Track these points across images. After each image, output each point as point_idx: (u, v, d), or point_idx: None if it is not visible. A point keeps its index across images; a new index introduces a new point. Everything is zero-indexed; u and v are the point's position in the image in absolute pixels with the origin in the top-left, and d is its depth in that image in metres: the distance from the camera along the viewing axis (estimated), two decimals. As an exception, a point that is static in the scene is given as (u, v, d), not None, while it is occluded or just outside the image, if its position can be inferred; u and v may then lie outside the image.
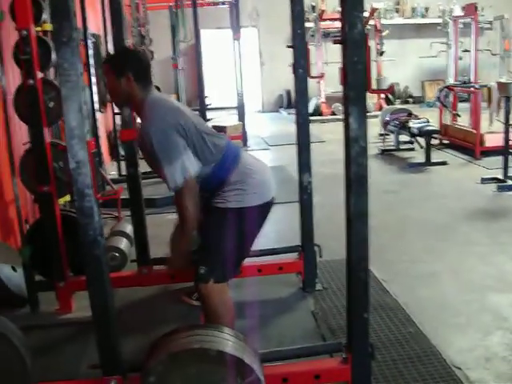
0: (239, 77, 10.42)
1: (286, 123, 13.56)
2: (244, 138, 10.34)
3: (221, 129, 10.54)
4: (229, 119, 11.91)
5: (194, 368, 2.06)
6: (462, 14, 9.80)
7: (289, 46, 3.61)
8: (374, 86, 10.18)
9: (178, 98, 9.26)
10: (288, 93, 16.00)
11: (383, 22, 13.78)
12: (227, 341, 2.15)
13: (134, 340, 3.24)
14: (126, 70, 2.77)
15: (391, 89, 4.32)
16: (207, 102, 9.66)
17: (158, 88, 7.52)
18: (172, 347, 2.11)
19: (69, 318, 3.65)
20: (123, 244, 4.40)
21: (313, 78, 9.99)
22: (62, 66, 2.09)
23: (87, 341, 3.25)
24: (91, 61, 6.48)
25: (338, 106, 13.69)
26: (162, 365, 2.06)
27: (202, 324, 2.57)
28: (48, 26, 4.20)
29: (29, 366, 2.26)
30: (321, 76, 12.24)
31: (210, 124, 9.84)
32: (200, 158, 2.76)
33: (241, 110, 10.60)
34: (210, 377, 2.06)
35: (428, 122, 8.28)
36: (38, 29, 3.91)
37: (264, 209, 2.89)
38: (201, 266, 2.69)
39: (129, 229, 4.62)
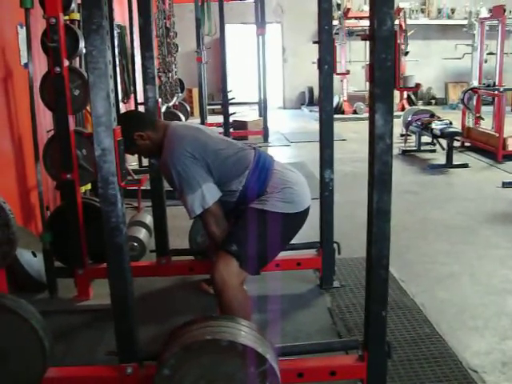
0: (262, 72, 10.42)
1: (308, 120, 13.57)
2: (265, 133, 10.35)
3: (242, 124, 10.58)
4: (250, 114, 11.92)
5: (207, 359, 2.06)
6: (489, 16, 9.72)
7: (315, 42, 3.60)
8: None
9: (201, 92, 9.30)
10: (310, 90, 15.96)
11: (408, 22, 13.68)
12: (239, 331, 2.15)
13: (150, 329, 3.27)
14: (131, 134, 2.81)
15: (418, 87, 4.31)
16: (230, 96, 9.67)
17: (180, 82, 7.60)
18: (184, 339, 2.12)
19: (87, 304, 3.67)
20: (142, 234, 4.43)
21: (338, 74, 9.95)
22: (91, 53, 2.11)
23: (104, 328, 3.28)
24: (116, 51, 6.51)
25: (360, 105, 13.66)
26: (175, 357, 2.07)
27: (215, 315, 2.56)
28: (76, 15, 4.24)
29: (48, 349, 2.28)
30: (346, 73, 12.17)
31: (231, 118, 9.88)
32: (223, 176, 2.83)
33: (263, 105, 10.60)
34: (224, 367, 2.07)
35: (451, 123, 8.22)
36: (66, 17, 3.94)
37: (298, 217, 2.91)
38: (233, 243, 2.70)
39: (148, 219, 4.64)
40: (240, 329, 2.16)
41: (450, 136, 7.81)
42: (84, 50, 3.90)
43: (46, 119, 4.48)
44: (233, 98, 10.20)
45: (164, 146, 2.83)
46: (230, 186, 2.86)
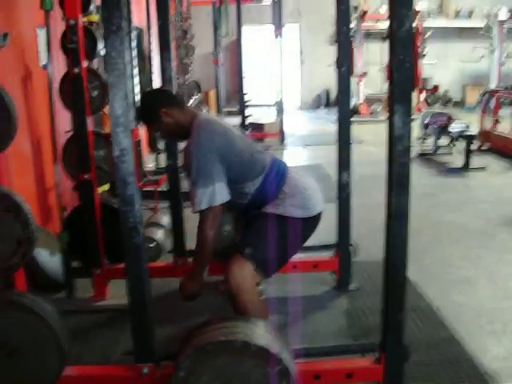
0: (279, 74, 10.42)
1: (324, 123, 13.54)
2: (281, 135, 10.34)
3: (258, 126, 10.58)
4: (267, 117, 11.92)
5: (221, 360, 2.06)
6: (508, 17, 9.65)
7: (332, 43, 3.59)
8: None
9: (218, 94, 9.31)
10: (327, 92, 15.97)
11: (425, 24, 13.61)
12: (253, 332, 2.15)
13: (167, 329, 3.29)
14: (158, 109, 2.84)
15: (436, 89, 4.28)
16: (246, 98, 9.67)
17: (197, 84, 7.62)
18: (198, 341, 2.12)
19: (103, 304, 3.70)
20: (159, 235, 4.44)
21: (356, 76, 9.98)
22: (110, 54, 2.12)
23: (121, 328, 3.31)
24: (133, 53, 6.54)
25: (377, 108, 13.62)
26: (189, 359, 2.07)
27: (229, 316, 2.56)
28: (94, 17, 4.28)
29: (65, 348, 2.29)
30: (363, 74, 12.11)
31: (248, 121, 9.88)
32: (239, 177, 2.84)
33: (279, 107, 10.59)
34: (239, 368, 2.06)
35: (468, 126, 8.17)
36: (85, 19, 3.98)
37: (310, 223, 2.90)
38: (246, 247, 2.70)
39: (165, 220, 4.66)
40: (254, 329, 2.16)
41: (467, 139, 7.76)
42: (102, 52, 3.94)
43: (64, 120, 4.50)
44: (249, 101, 10.20)
45: (192, 134, 2.80)
46: (243, 188, 2.87)
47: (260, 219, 2.83)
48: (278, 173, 2.90)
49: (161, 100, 2.90)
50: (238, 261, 2.70)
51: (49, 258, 3.93)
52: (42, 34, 4.40)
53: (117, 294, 3.71)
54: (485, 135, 8.99)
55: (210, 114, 3.19)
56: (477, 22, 14.51)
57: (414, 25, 12.58)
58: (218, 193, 2.72)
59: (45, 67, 4.09)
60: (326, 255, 3.89)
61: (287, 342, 2.26)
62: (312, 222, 2.91)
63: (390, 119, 2.18)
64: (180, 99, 3.14)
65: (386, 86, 2.28)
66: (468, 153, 7.71)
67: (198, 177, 2.72)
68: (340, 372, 2.54)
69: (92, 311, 3.65)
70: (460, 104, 15.69)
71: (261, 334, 2.15)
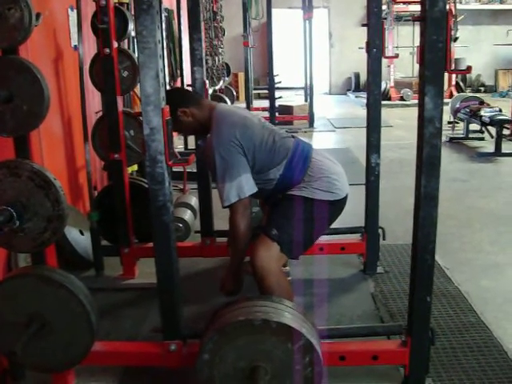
0: (308, 57, 10.36)
1: (353, 106, 13.46)
2: (311, 118, 10.29)
3: (287, 108, 10.55)
4: (296, 99, 11.87)
5: (243, 340, 2.07)
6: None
7: (364, 25, 3.56)
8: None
9: (247, 76, 9.29)
10: (356, 76, 15.82)
11: (458, 6, 13.35)
12: (273, 309, 2.15)
13: (194, 308, 3.31)
14: (174, 111, 2.76)
15: (469, 70, 4.21)
16: (276, 80, 9.64)
17: (227, 66, 7.59)
18: (219, 323, 2.14)
19: (132, 283, 3.74)
20: (187, 215, 4.47)
21: (387, 57, 9.76)
22: (141, 33, 2.12)
23: (149, 306, 3.35)
24: (163, 34, 6.55)
25: (407, 92, 13.47)
26: (211, 342, 2.08)
27: (253, 296, 2.56)
28: (125, -2, 4.31)
29: (94, 323, 2.33)
30: (395, 56, 11.87)
31: (277, 103, 9.84)
32: (263, 165, 2.84)
33: (309, 90, 10.54)
34: (261, 346, 2.06)
35: (500, 111, 8.04)
36: (116, 0, 3.99)
37: (336, 206, 2.89)
38: (272, 229, 2.70)
39: (193, 201, 4.69)
40: (274, 307, 2.16)
41: (499, 124, 7.63)
42: (133, 32, 3.96)
43: (94, 100, 4.55)
44: (279, 83, 10.17)
45: (212, 128, 2.81)
46: (268, 175, 2.87)
47: (286, 201, 2.84)
48: (302, 156, 2.89)
49: (176, 101, 2.81)
50: (264, 242, 2.70)
51: (78, 237, 4.00)
52: (73, 15, 4.43)
53: (145, 272, 3.76)
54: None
55: (226, 105, 3.17)
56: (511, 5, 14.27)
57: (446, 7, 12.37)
58: (246, 184, 2.73)
59: (76, 48, 4.13)
60: (354, 238, 3.88)
61: (312, 321, 2.26)
62: (338, 206, 2.89)
63: (421, 101, 2.16)
64: (194, 95, 3.14)
65: (416, 70, 2.26)
66: (499, 138, 7.60)
67: (223, 172, 2.72)
68: (365, 354, 2.54)
69: (120, 289, 3.70)
70: (492, 89, 15.40)
71: (281, 310, 2.15)
